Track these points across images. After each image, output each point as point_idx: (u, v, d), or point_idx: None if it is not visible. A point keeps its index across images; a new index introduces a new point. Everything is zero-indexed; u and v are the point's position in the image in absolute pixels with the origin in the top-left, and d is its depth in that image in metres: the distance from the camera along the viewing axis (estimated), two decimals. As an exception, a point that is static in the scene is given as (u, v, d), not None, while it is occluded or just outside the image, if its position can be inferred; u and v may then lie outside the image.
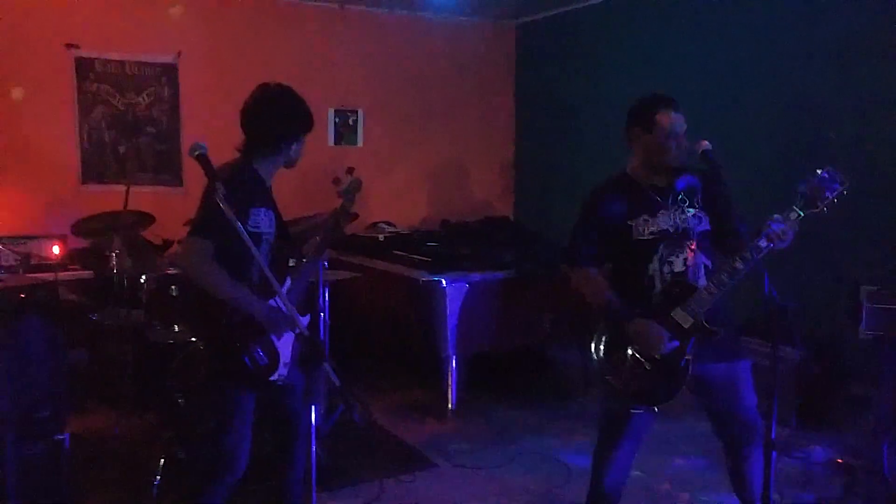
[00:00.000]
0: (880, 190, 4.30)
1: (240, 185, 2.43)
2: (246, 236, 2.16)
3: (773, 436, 2.20)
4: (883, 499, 3.11)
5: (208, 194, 2.32)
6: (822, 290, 4.55)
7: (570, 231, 2.82)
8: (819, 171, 2.48)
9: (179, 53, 6.01)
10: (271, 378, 2.55)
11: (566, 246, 2.83)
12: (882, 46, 4.44)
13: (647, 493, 3.60)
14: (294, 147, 2.66)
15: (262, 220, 2.55)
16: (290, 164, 2.71)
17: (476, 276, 4.71)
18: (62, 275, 4.62)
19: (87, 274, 4.87)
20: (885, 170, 4.38)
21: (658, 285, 2.66)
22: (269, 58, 6.22)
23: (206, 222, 2.41)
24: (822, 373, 4.30)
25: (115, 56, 5.84)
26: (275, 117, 2.59)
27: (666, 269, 2.65)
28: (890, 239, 4.37)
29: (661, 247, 2.66)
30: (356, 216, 2.97)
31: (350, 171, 2.99)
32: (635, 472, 2.99)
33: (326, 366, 2.04)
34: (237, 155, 2.63)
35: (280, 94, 2.62)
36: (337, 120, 6.71)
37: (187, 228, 2.50)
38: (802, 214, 2.47)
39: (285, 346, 2.58)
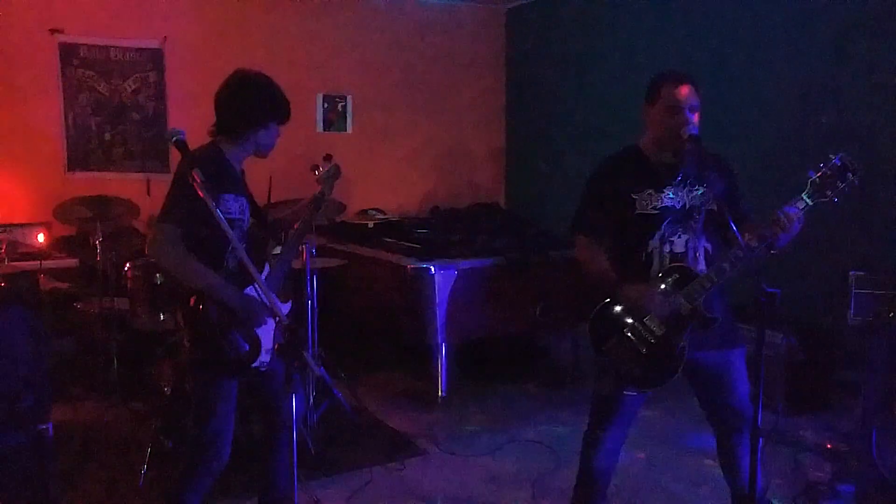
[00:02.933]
0: (871, 175, 4.27)
1: (208, 169, 2.34)
2: (224, 222, 2.12)
3: (759, 422, 2.17)
4: (872, 484, 3.10)
5: (179, 180, 2.31)
6: (811, 276, 4.54)
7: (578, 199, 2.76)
8: (832, 157, 2.40)
9: (165, 38, 5.94)
10: (253, 365, 2.53)
11: (573, 213, 2.77)
12: (881, 31, 4.41)
13: (638, 477, 3.60)
14: (262, 134, 2.59)
15: (233, 207, 2.51)
16: (260, 153, 2.64)
17: (465, 263, 4.68)
18: (47, 263, 4.58)
19: (71, 262, 4.84)
20: (877, 155, 4.36)
21: (656, 264, 2.61)
22: (257, 43, 6.16)
23: (173, 208, 2.38)
24: (810, 358, 4.30)
25: (99, 41, 5.77)
26: (241, 103, 2.54)
27: (666, 248, 2.61)
28: (879, 224, 4.35)
29: (665, 224, 2.61)
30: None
31: (328, 158, 2.97)
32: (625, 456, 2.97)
33: (306, 354, 2.01)
34: (208, 139, 2.59)
35: (250, 80, 2.57)
36: (325, 106, 6.65)
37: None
38: (811, 203, 2.39)
39: (266, 332, 2.55)
